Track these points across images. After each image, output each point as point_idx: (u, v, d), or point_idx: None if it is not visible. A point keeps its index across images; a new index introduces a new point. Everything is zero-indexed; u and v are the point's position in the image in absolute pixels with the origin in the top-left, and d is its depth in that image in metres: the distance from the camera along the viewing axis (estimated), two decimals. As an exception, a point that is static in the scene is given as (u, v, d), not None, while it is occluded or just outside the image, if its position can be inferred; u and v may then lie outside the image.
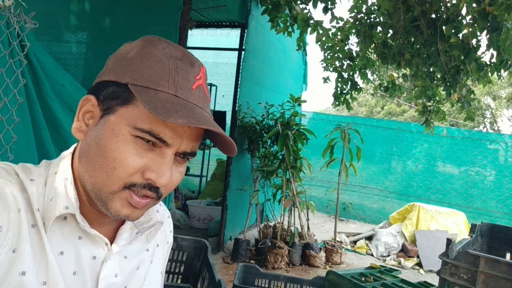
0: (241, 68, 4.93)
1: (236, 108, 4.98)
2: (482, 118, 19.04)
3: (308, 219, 5.15)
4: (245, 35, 4.98)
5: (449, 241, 1.13)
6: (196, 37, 7.53)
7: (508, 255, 1.58)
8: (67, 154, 0.75)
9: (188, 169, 7.59)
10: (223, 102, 7.27)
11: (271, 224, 5.19)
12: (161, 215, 0.90)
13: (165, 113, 0.62)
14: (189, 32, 5.32)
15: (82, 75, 3.22)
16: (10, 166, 0.72)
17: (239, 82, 4.95)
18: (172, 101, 0.65)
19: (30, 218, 0.67)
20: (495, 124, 19.27)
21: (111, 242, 0.77)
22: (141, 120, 0.65)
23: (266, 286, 2.91)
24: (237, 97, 4.97)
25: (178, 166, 0.72)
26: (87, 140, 0.69)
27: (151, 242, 0.85)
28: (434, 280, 4.33)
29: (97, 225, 0.74)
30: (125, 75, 0.67)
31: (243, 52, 4.98)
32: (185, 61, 0.70)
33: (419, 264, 5.38)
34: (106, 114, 0.68)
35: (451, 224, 6.00)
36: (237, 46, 5.36)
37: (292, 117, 4.88)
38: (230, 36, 7.21)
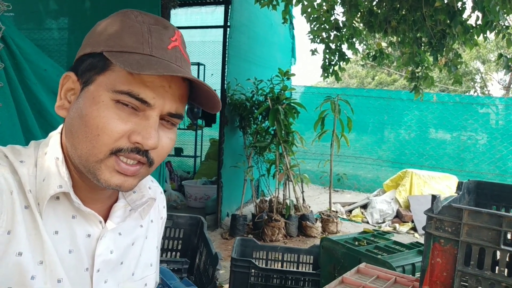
0: (227, 45, 4.88)
1: (225, 86, 4.95)
2: (472, 83, 19.10)
3: (303, 192, 5.21)
4: (230, 11, 4.91)
5: (434, 197, 1.16)
6: (180, 16, 7.40)
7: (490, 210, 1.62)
8: (55, 133, 0.75)
9: (182, 150, 7.60)
10: (212, 81, 7.21)
11: (267, 198, 5.26)
12: (154, 192, 0.90)
13: (139, 68, 0.62)
14: (173, 11, 5.23)
15: (66, 60, 3.17)
16: None
17: (227, 60, 4.91)
18: (147, 59, 0.65)
19: (23, 199, 0.67)
20: (485, 88, 19.35)
21: (105, 220, 0.77)
22: (119, 82, 0.65)
23: (264, 257, 2.97)
24: (225, 75, 4.93)
25: (167, 132, 0.72)
26: (70, 115, 0.70)
27: (145, 218, 0.86)
28: (428, 242, 4.43)
29: (91, 203, 0.74)
30: (100, 45, 0.67)
31: (228, 29, 4.92)
32: (158, 25, 0.70)
33: (414, 229, 5.51)
34: (86, 86, 0.68)
35: (444, 188, 6.11)
36: (222, 23, 5.28)
37: (282, 91, 4.87)
38: (215, 13, 7.09)
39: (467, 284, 1.16)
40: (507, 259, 1.11)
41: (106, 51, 0.66)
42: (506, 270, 1.12)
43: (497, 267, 1.12)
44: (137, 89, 0.65)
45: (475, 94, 18.26)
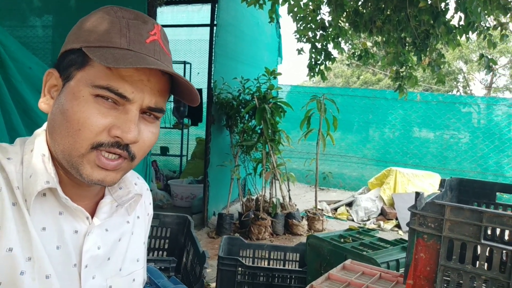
0: (214, 43, 4.87)
1: (212, 85, 4.95)
2: (455, 82, 19.44)
3: (289, 190, 5.24)
4: (216, 9, 4.90)
5: (417, 194, 1.19)
6: (166, 14, 7.35)
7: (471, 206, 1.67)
8: (40, 131, 0.75)
9: (167, 149, 7.55)
10: (199, 79, 7.19)
11: (254, 197, 5.27)
12: (140, 188, 0.91)
13: (115, 61, 0.62)
14: (159, 9, 5.20)
15: (50, 58, 3.13)
16: None
17: (213, 58, 4.90)
18: (123, 53, 0.65)
19: (11, 196, 0.67)
20: (467, 88, 19.72)
21: (92, 216, 0.77)
22: (98, 77, 0.66)
23: (251, 256, 2.99)
24: (212, 74, 4.92)
25: (148, 126, 0.72)
26: (52, 111, 0.71)
27: (132, 214, 0.87)
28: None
29: (77, 199, 0.75)
30: (79, 40, 0.68)
31: (215, 28, 4.92)
32: (138, 20, 0.71)
33: (398, 226, 5.59)
34: (67, 82, 0.69)
35: (427, 185, 6.22)
36: (208, 22, 5.27)
37: (269, 90, 4.89)
38: (202, 12, 7.06)
39: (449, 278, 1.19)
40: (487, 254, 1.15)
41: (84, 47, 0.67)
42: (486, 264, 1.15)
43: (477, 262, 1.16)
44: (116, 83, 0.66)
45: (458, 93, 18.59)
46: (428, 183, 6.29)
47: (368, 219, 5.89)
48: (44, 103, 0.72)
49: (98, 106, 0.67)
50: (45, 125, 0.77)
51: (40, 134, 0.75)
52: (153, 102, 0.70)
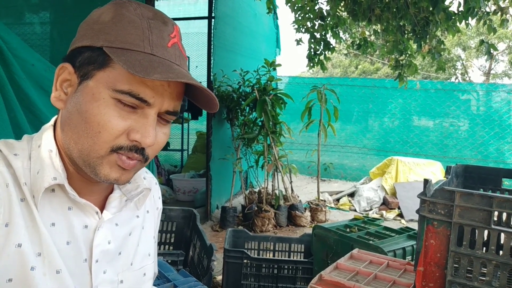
0: (212, 36, 4.84)
1: (211, 78, 4.92)
2: (453, 70, 19.39)
3: (291, 182, 5.25)
4: (214, 1, 4.87)
5: (426, 181, 1.19)
6: (162, 8, 7.31)
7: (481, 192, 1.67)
8: (48, 126, 0.75)
9: (168, 144, 7.54)
10: (197, 73, 7.16)
11: (256, 189, 5.28)
12: (148, 182, 0.90)
13: (144, 71, 0.61)
14: (156, 3, 5.16)
15: (49, 55, 3.10)
16: None
17: (212, 51, 4.87)
18: (149, 59, 0.65)
19: (19, 192, 0.67)
20: (466, 75, 19.68)
21: (101, 211, 0.77)
22: (119, 81, 0.65)
23: (256, 248, 3.00)
24: (211, 66, 4.90)
25: (162, 127, 0.73)
26: (67, 108, 0.69)
27: (141, 208, 0.87)
28: (414, 228, 4.52)
29: (86, 194, 0.75)
30: (99, 38, 0.66)
31: (213, 20, 4.88)
32: (157, 20, 0.70)
33: (400, 215, 5.61)
34: (84, 80, 0.67)
35: (429, 174, 6.22)
36: (206, 14, 5.23)
37: (269, 82, 4.87)
38: (198, 5, 7.02)
39: (459, 264, 1.20)
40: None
41: (106, 47, 0.65)
42: (495, 249, 1.15)
43: (487, 247, 1.16)
44: (137, 88, 0.65)
45: (456, 80, 18.56)
46: (429, 171, 6.29)
47: (371, 209, 5.90)
48: (57, 99, 0.71)
49: (118, 109, 0.66)
50: (52, 121, 0.77)
51: (48, 129, 0.74)
52: (172, 106, 0.71)
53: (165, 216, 2.44)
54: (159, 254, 2.09)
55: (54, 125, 0.75)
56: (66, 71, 0.70)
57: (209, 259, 1.84)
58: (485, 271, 1.16)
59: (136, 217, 0.86)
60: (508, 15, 3.81)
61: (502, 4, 3.91)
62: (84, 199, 0.73)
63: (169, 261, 2.07)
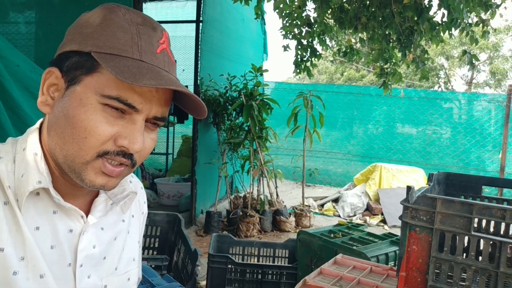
0: (200, 40, 4.84)
1: (198, 82, 4.92)
2: (436, 78, 19.77)
3: (276, 187, 5.26)
4: (202, 5, 4.87)
5: (409, 188, 1.21)
6: (150, 10, 7.28)
7: (462, 199, 1.70)
8: (33, 129, 0.74)
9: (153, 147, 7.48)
10: (184, 76, 7.14)
11: (241, 194, 5.27)
12: (135, 186, 0.90)
13: (132, 77, 0.61)
14: (144, 5, 5.13)
15: (34, 55, 3.04)
16: None
17: (199, 55, 4.87)
18: (137, 66, 0.65)
19: (2, 195, 0.66)
20: (449, 84, 20.08)
21: (87, 215, 0.77)
22: (107, 87, 0.65)
23: (241, 253, 2.99)
24: (198, 70, 4.90)
25: (150, 133, 0.73)
26: (54, 113, 0.69)
27: (127, 213, 0.86)
28: (397, 234, 4.59)
29: (71, 198, 0.74)
30: (87, 43, 0.66)
31: (201, 24, 4.88)
32: (147, 26, 0.69)
33: (384, 221, 5.68)
34: (72, 85, 0.67)
35: (411, 180, 6.31)
36: (194, 18, 5.24)
37: (255, 87, 4.89)
38: (187, 8, 7.02)
39: (440, 270, 1.22)
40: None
41: (94, 52, 0.65)
42: (475, 254, 1.18)
43: (467, 253, 1.19)
44: (125, 94, 0.65)
45: (439, 89, 18.92)
46: (412, 178, 6.38)
47: (354, 215, 5.96)
48: (44, 104, 0.71)
49: (105, 114, 0.66)
50: (38, 123, 0.76)
51: (33, 132, 0.74)
52: (160, 112, 0.71)
53: (149, 220, 2.42)
54: (143, 259, 2.07)
55: (40, 128, 0.75)
56: (53, 76, 0.70)
57: (193, 264, 1.83)
58: (465, 276, 1.19)
59: (122, 221, 0.85)
60: (489, 27, 3.91)
61: (483, 16, 4.02)
62: (69, 203, 0.72)
63: (153, 266, 2.06)
